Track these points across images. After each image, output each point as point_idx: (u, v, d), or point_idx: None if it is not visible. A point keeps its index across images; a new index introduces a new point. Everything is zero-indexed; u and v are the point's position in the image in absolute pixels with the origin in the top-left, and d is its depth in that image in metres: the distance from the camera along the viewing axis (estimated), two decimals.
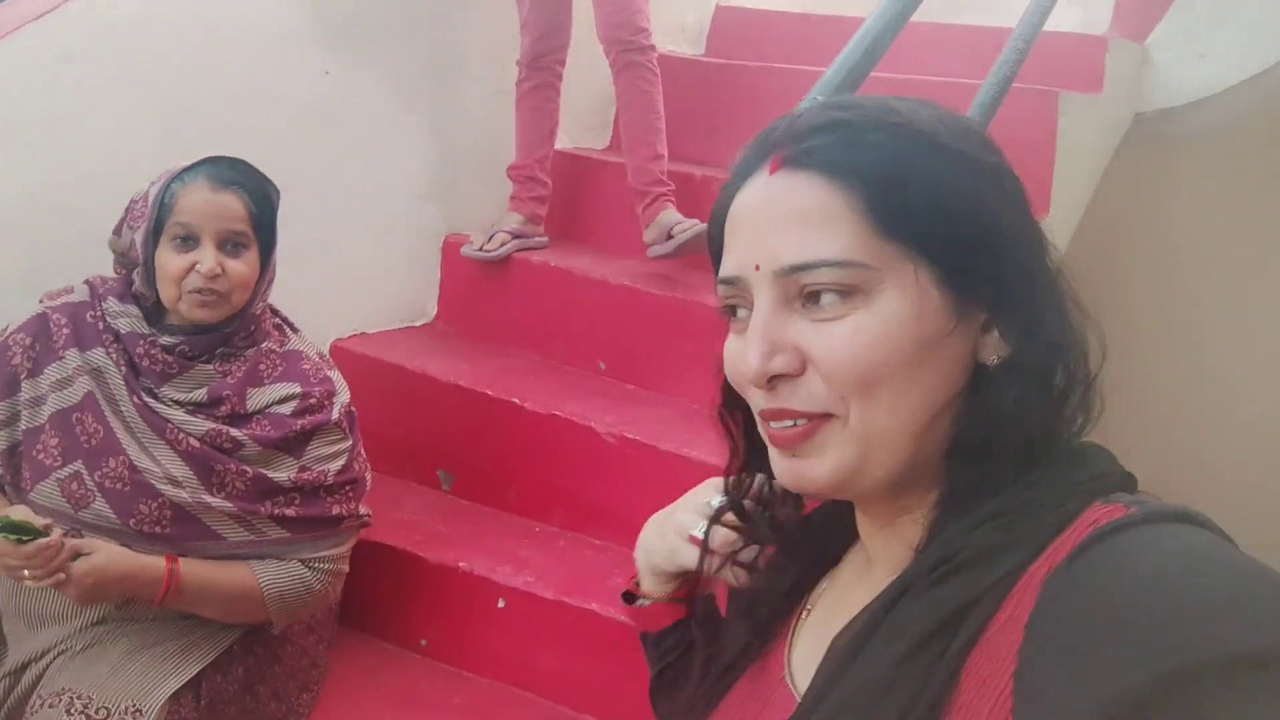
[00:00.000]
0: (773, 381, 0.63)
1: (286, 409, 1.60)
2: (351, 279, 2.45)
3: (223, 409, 1.57)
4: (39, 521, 1.37)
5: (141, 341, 1.55)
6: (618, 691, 1.80)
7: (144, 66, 1.98)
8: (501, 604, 1.88)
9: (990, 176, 0.63)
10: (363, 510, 1.69)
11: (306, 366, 1.66)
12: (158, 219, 1.52)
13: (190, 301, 1.52)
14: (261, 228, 1.57)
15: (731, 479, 0.78)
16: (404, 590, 1.96)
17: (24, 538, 1.33)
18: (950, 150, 0.61)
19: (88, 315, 1.57)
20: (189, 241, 1.52)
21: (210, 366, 1.59)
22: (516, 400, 2.15)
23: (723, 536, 0.80)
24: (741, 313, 0.65)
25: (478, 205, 2.66)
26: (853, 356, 0.60)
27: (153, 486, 1.49)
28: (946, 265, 0.61)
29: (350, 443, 1.66)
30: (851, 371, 0.60)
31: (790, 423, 0.63)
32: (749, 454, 0.75)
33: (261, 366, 1.62)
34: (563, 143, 2.66)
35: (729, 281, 0.66)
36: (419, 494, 2.22)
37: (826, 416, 0.62)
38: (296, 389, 1.62)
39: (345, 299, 2.44)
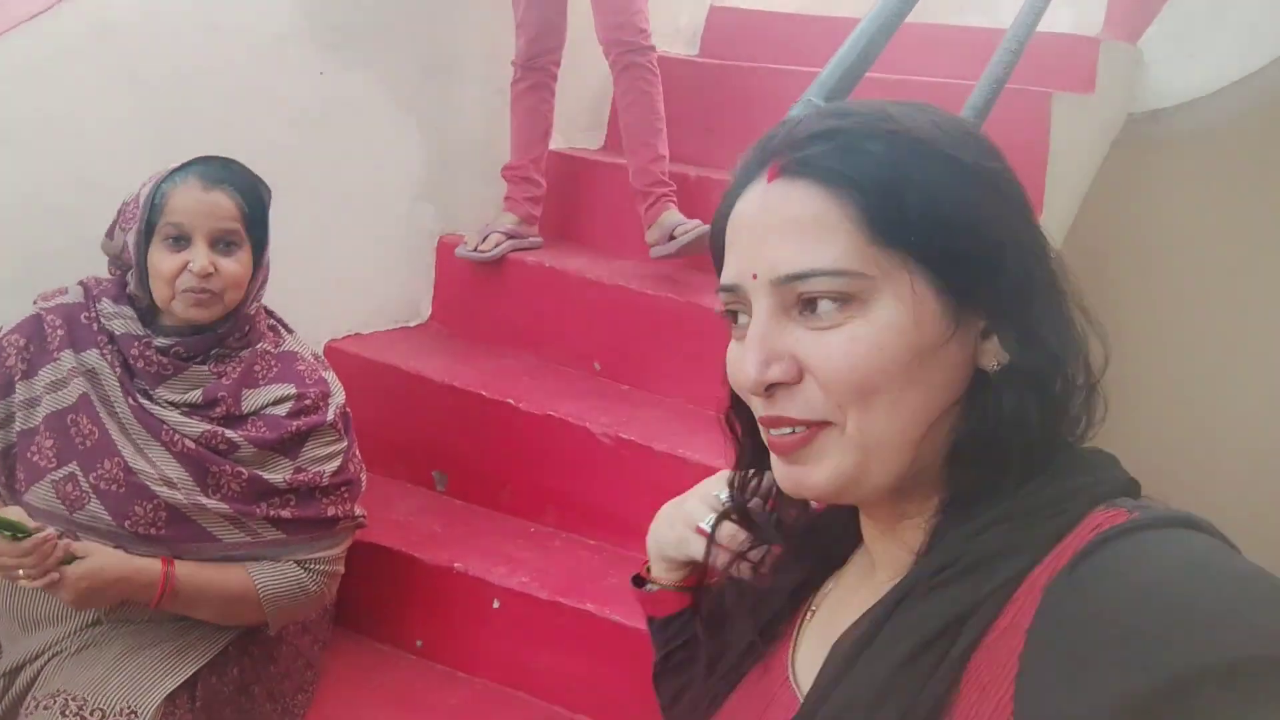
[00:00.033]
0: (770, 389, 0.63)
1: (282, 410, 1.60)
2: (346, 279, 2.45)
3: (218, 410, 1.57)
4: (32, 524, 1.37)
5: (136, 343, 1.55)
6: (613, 692, 1.81)
7: (139, 67, 1.97)
8: (496, 604, 1.89)
9: (989, 183, 0.63)
10: (358, 511, 1.69)
11: (301, 367, 1.66)
12: (149, 219, 1.52)
13: (184, 301, 1.52)
14: (254, 226, 1.57)
15: (736, 479, 0.79)
16: (399, 591, 1.96)
17: (18, 535, 1.33)
18: (947, 157, 0.61)
19: (82, 316, 1.57)
20: (181, 241, 1.52)
21: (205, 368, 1.58)
22: (511, 401, 2.15)
23: (730, 531, 0.81)
24: (742, 319, 0.66)
25: (472, 206, 2.66)
26: (849, 365, 0.60)
27: (148, 488, 1.49)
28: (943, 273, 0.61)
29: (345, 444, 1.66)
30: (848, 380, 0.60)
31: (789, 430, 0.63)
32: (755, 456, 0.75)
33: (256, 368, 1.62)
34: (557, 143, 2.66)
35: (729, 289, 0.66)
36: (414, 495, 2.22)
37: (824, 424, 0.62)
38: (291, 390, 1.62)
39: (340, 299, 2.43)
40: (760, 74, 2.81)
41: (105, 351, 1.55)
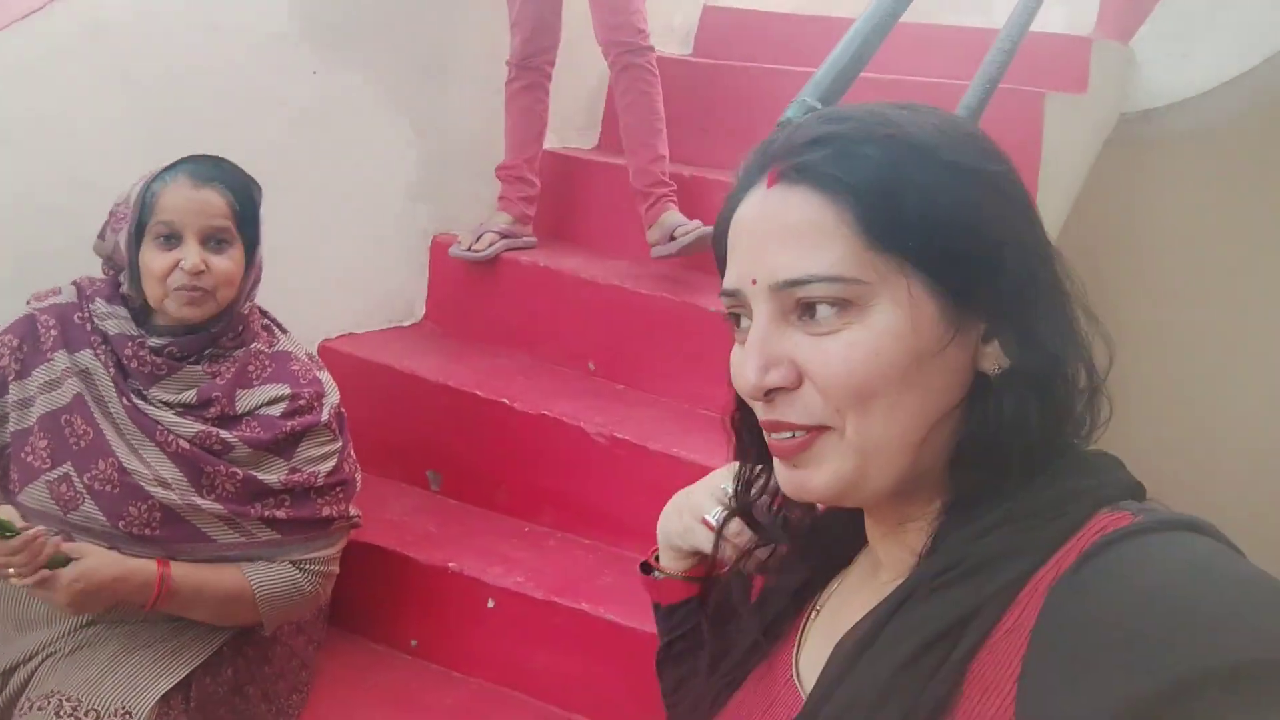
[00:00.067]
0: (770, 394, 0.63)
1: (276, 410, 1.59)
2: (340, 279, 2.45)
3: (212, 410, 1.57)
4: (20, 523, 1.36)
5: (129, 343, 1.55)
6: (608, 691, 1.81)
7: (132, 67, 1.97)
8: (491, 604, 1.88)
9: (988, 186, 0.62)
10: (353, 511, 1.69)
11: (296, 367, 1.66)
12: (140, 219, 1.52)
13: (176, 299, 1.52)
14: (245, 224, 1.57)
15: (742, 479, 0.79)
16: (394, 591, 1.96)
17: (6, 534, 1.33)
18: (945, 161, 0.61)
19: (75, 317, 1.57)
20: (172, 240, 1.51)
21: (199, 368, 1.58)
22: (506, 400, 2.15)
23: (736, 526, 0.82)
24: (744, 322, 0.66)
25: (466, 205, 2.66)
26: (847, 371, 0.60)
27: (142, 488, 1.48)
28: (941, 278, 0.61)
29: (340, 444, 1.66)
30: (846, 385, 0.61)
31: (789, 434, 0.64)
32: (761, 456, 0.75)
33: (250, 368, 1.62)
34: (551, 142, 2.66)
35: (730, 293, 0.66)
36: (408, 494, 2.22)
37: (823, 429, 0.63)
38: (286, 390, 1.61)
39: (334, 299, 2.43)
40: (754, 73, 2.81)
41: (99, 352, 1.54)
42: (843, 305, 0.60)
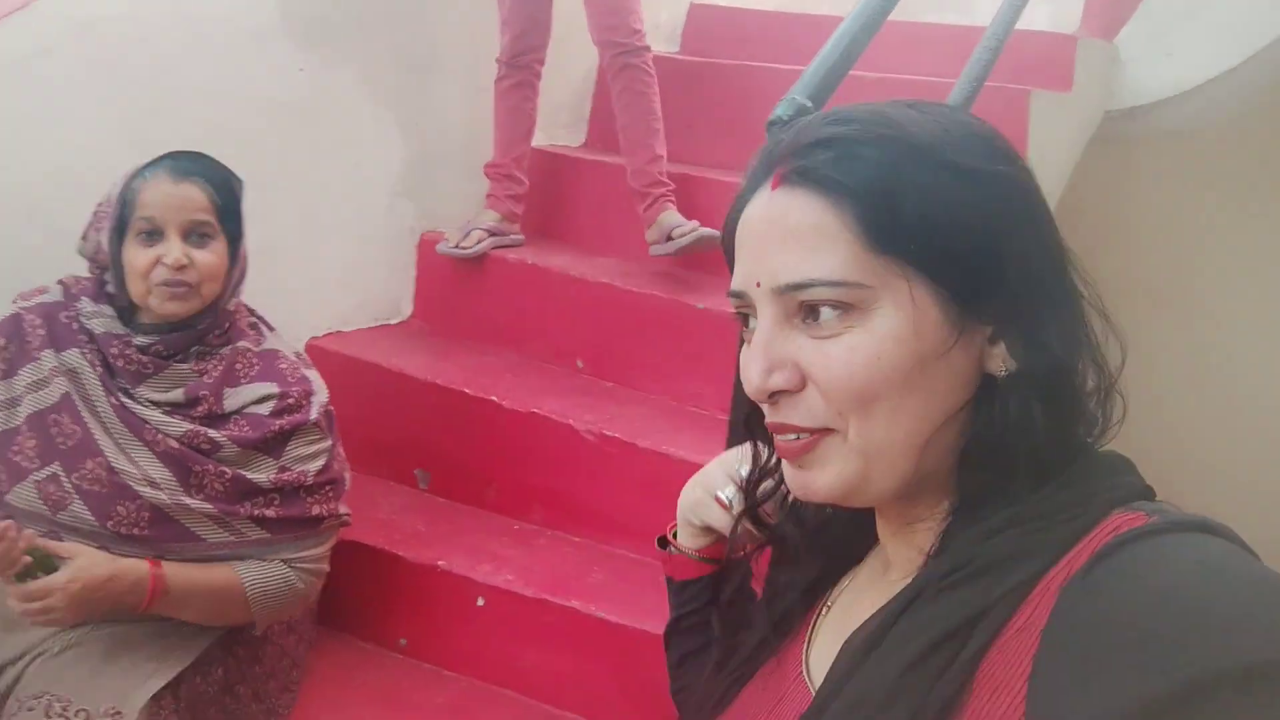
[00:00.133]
0: (774, 397, 0.63)
1: (264, 409, 1.59)
2: (326, 277, 2.44)
3: (199, 409, 1.56)
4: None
5: (116, 342, 1.54)
6: (599, 689, 1.81)
7: (117, 64, 1.96)
8: (481, 602, 1.89)
9: (991, 187, 0.62)
10: (342, 510, 1.68)
11: (283, 366, 1.65)
12: (121, 215, 1.51)
13: (159, 295, 1.51)
14: (227, 218, 1.56)
15: (753, 476, 0.79)
16: (383, 589, 1.96)
17: None
18: (946, 162, 0.61)
19: (62, 316, 1.56)
20: (154, 236, 1.51)
21: (186, 366, 1.57)
22: (494, 398, 2.15)
23: (741, 503, 0.82)
24: (752, 323, 0.66)
25: (454, 202, 2.65)
26: (848, 374, 0.60)
27: (131, 488, 1.48)
28: (943, 281, 0.60)
29: (329, 442, 1.66)
30: (847, 389, 0.61)
31: (794, 436, 0.64)
32: (773, 453, 0.75)
33: (238, 366, 1.61)
34: (538, 140, 2.66)
35: (737, 295, 0.66)
36: (397, 493, 2.21)
37: (827, 431, 0.63)
38: (274, 389, 1.61)
39: (320, 297, 2.42)
40: (741, 71, 2.82)
41: (86, 351, 1.54)
42: (845, 308, 0.60)
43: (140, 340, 1.55)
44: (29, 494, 1.47)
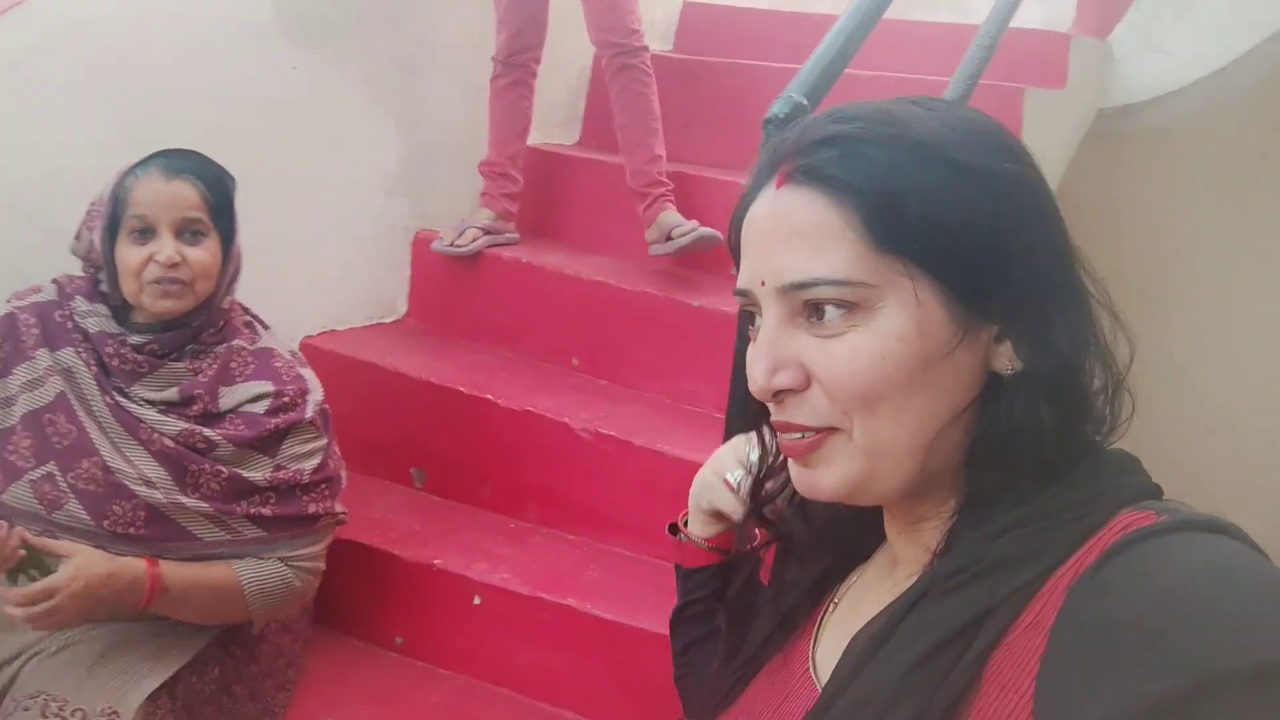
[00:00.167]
0: (779, 395, 0.63)
1: (260, 408, 1.59)
2: (321, 275, 2.43)
3: (194, 408, 1.56)
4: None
5: (110, 341, 1.54)
6: (595, 686, 1.81)
7: (111, 63, 1.95)
8: (477, 601, 1.89)
9: (995, 185, 0.61)
10: (338, 508, 1.68)
11: (279, 364, 1.65)
12: (113, 214, 1.51)
13: (151, 293, 1.51)
14: (219, 216, 1.56)
15: (760, 472, 0.79)
16: (379, 588, 1.96)
17: None
18: (950, 160, 0.60)
19: (56, 315, 1.55)
20: (146, 234, 1.51)
21: (181, 365, 1.57)
22: (490, 397, 2.15)
23: (749, 487, 0.82)
24: (759, 320, 0.66)
25: (448, 201, 2.65)
26: (851, 374, 0.60)
27: (126, 487, 1.48)
28: (948, 279, 0.60)
29: (325, 441, 1.65)
30: (851, 388, 0.60)
31: (798, 435, 0.64)
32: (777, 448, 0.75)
33: (233, 364, 1.61)
34: (532, 138, 2.66)
35: (742, 293, 0.66)
36: (392, 492, 2.21)
37: (831, 430, 0.62)
38: (269, 387, 1.61)
39: (314, 296, 2.42)
40: (735, 69, 2.82)
41: (81, 350, 1.53)
42: (849, 307, 0.60)
43: (135, 339, 1.55)
44: (24, 493, 1.46)
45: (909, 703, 0.56)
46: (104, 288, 1.57)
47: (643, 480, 1.99)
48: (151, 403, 1.55)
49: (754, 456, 0.80)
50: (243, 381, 1.61)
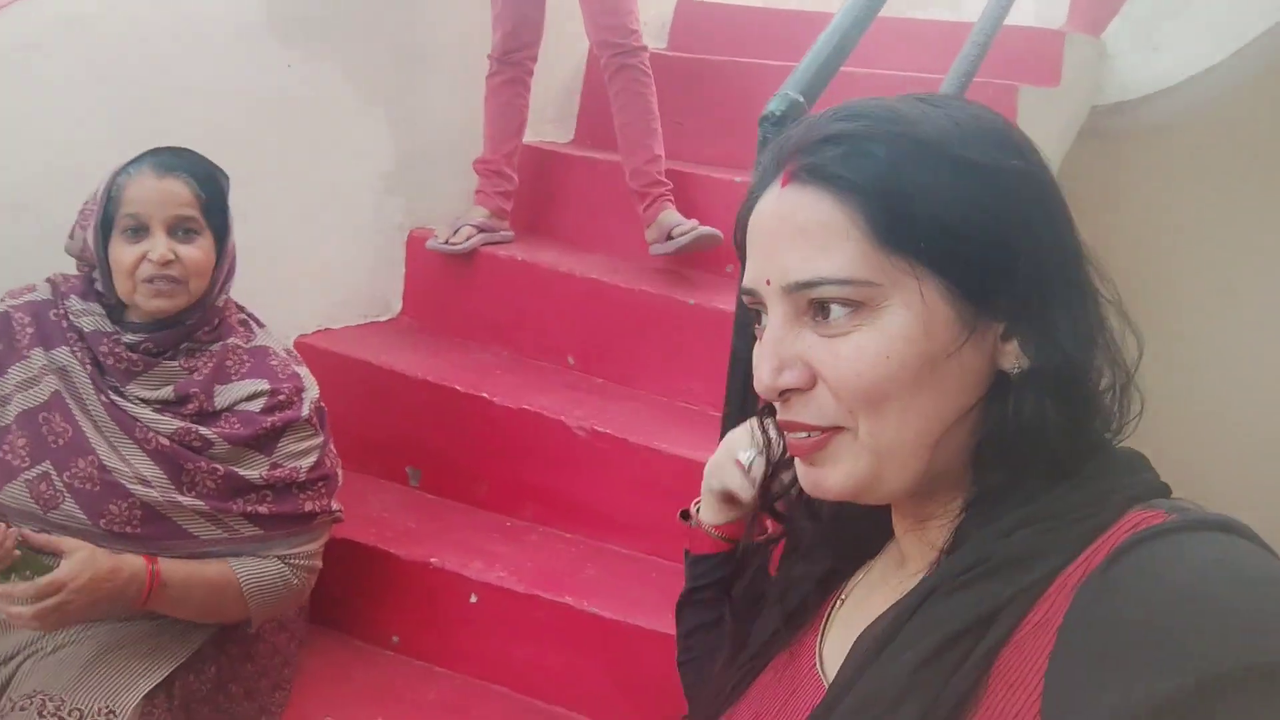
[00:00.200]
0: (785, 395, 0.63)
1: (256, 406, 1.58)
2: (315, 274, 2.43)
3: (190, 407, 1.55)
4: None
5: (105, 339, 1.54)
6: (592, 684, 1.82)
7: (106, 60, 1.95)
8: (474, 599, 1.89)
9: (1003, 183, 0.61)
10: (335, 506, 1.68)
11: (274, 362, 1.65)
12: (106, 212, 1.50)
13: (145, 292, 1.51)
14: (212, 213, 1.56)
15: (767, 469, 0.79)
16: (375, 587, 1.96)
17: None
18: (955, 158, 0.60)
19: (51, 313, 1.55)
20: (140, 232, 1.50)
21: (176, 363, 1.57)
22: (485, 395, 2.15)
23: (760, 468, 0.82)
24: (765, 319, 0.65)
25: (443, 199, 2.65)
26: (856, 373, 0.60)
27: (123, 486, 1.47)
28: (954, 278, 0.60)
29: (321, 439, 1.65)
30: (856, 388, 0.60)
31: (804, 434, 0.64)
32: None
33: (228, 363, 1.61)
34: (526, 136, 2.66)
35: (749, 292, 0.66)
36: (388, 490, 2.21)
37: (837, 429, 0.62)
38: (265, 385, 1.60)
39: (308, 294, 2.42)
40: (729, 67, 2.82)
41: (75, 349, 1.53)
42: (854, 306, 0.60)
43: (129, 338, 1.54)
44: (20, 493, 1.46)
45: (916, 700, 0.56)
46: (98, 286, 1.56)
47: (639, 478, 1.99)
48: (147, 401, 1.54)
49: (772, 433, 0.80)
50: (238, 379, 1.60)
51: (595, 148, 2.82)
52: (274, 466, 1.57)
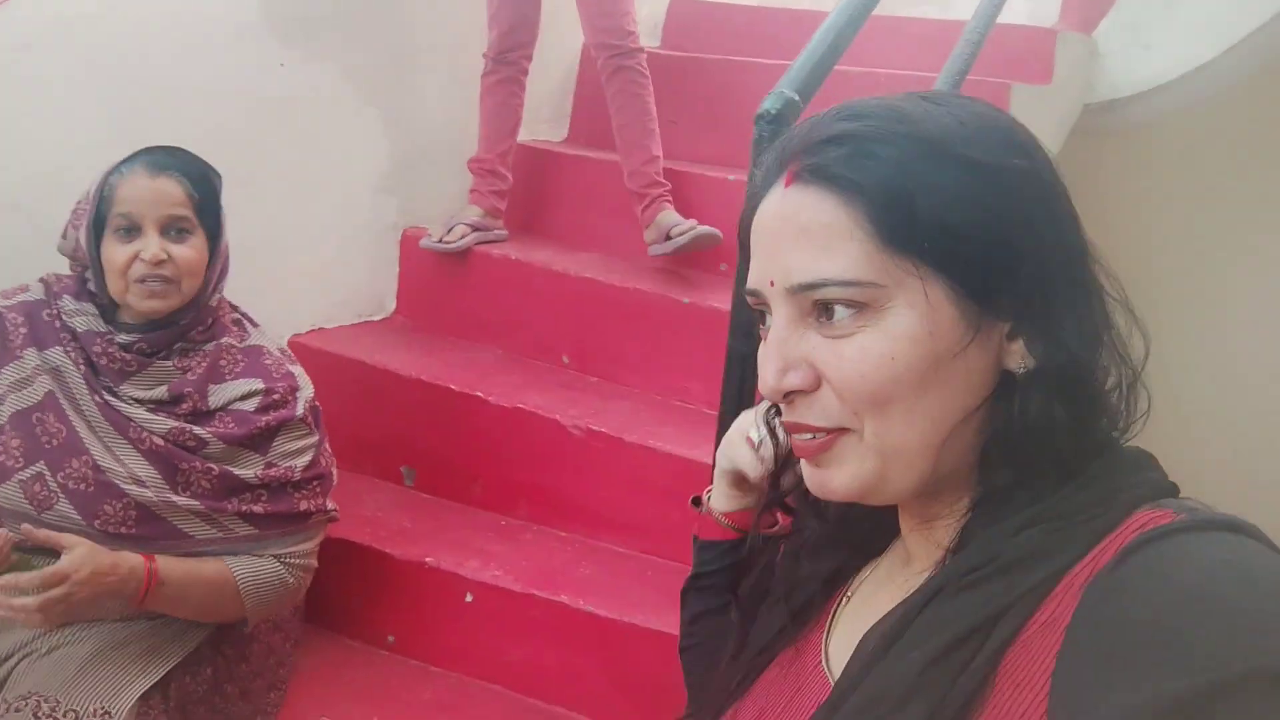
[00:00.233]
0: (789, 396, 0.63)
1: (250, 405, 1.58)
2: (309, 273, 2.43)
3: (184, 406, 1.55)
4: None
5: (99, 340, 1.53)
6: (587, 683, 1.82)
7: (99, 60, 1.94)
8: (469, 598, 1.89)
9: (1007, 182, 0.60)
10: (330, 505, 1.68)
11: (268, 362, 1.65)
12: (98, 212, 1.50)
13: (138, 292, 1.50)
14: (204, 212, 1.55)
15: (775, 467, 0.80)
16: (370, 586, 1.96)
17: None
18: (959, 158, 0.60)
19: (44, 314, 1.55)
20: (132, 232, 1.50)
21: (169, 363, 1.57)
22: (480, 394, 2.15)
23: (769, 450, 0.82)
24: (769, 319, 0.65)
25: (437, 198, 2.65)
26: (860, 375, 0.60)
27: (117, 486, 1.47)
28: (958, 278, 0.59)
29: (316, 438, 1.65)
30: (861, 389, 0.60)
31: (810, 435, 0.63)
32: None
33: (222, 362, 1.61)
34: (521, 135, 2.66)
35: (752, 293, 0.66)
36: (382, 490, 2.21)
37: (843, 430, 0.62)
38: (259, 385, 1.60)
39: (303, 294, 2.41)
40: (722, 66, 2.83)
41: (69, 349, 1.53)
42: (859, 307, 0.60)
43: (123, 338, 1.54)
44: (14, 493, 1.46)
45: (922, 700, 0.55)
46: (91, 286, 1.56)
47: (634, 477, 1.99)
48: (141, 401, 1.54)
49: (773, 419, 0.79)
50: (232, 379, 1.60)
51: (590, 147, 2.82)
52: (269, 466, 1.57)
